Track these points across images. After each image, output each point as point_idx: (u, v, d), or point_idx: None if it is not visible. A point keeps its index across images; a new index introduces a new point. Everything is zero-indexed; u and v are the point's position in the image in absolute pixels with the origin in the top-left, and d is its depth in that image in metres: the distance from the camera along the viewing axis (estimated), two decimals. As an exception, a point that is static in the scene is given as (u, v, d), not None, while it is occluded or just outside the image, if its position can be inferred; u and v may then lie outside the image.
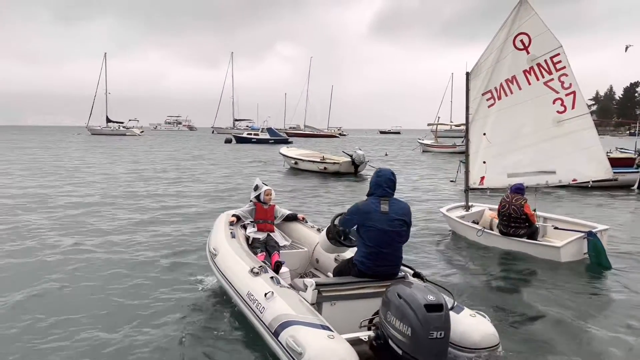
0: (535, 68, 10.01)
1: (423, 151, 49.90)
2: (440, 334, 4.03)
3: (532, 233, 9.33)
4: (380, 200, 5.06)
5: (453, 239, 10.56)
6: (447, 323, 4.11)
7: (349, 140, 79.41)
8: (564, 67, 9.84)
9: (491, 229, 10.09)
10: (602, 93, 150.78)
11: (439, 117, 65.49)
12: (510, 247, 9.29)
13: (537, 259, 8.77)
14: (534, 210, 9.49)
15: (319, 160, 26.73)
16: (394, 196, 5.19)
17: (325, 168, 25.61)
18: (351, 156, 25.38)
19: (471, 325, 4.63)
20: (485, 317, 4.85)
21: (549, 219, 10.18)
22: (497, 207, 9.85)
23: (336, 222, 5.56)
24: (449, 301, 4.65)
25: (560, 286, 7.50)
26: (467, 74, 11.02)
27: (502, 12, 10.56)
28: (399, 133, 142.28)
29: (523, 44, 10.11)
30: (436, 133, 57.39)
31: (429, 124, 65.83)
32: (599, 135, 10.07)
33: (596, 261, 8.51)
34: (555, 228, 9.68)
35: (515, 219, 9.28)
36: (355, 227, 5.21)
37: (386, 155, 42.76)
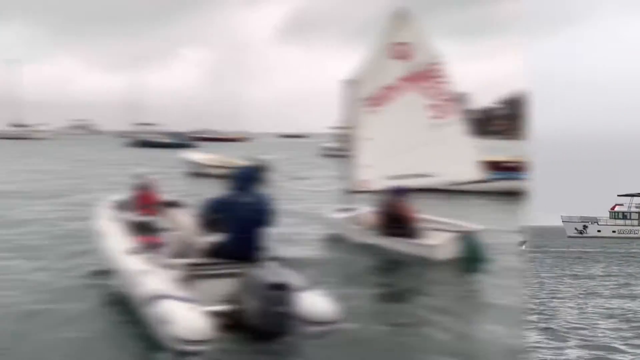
0: (414, 76, 10.50)
1: (325, 155, 50.07)
2: (284, 309, 4.83)
3: (411, 233, 9.75)
4: (242, 193, 5.71)
5: (336, 240, 10.83)
6: (290, 300, 4.90)
7: (252, 144, 78.86)
8: (442, 76, 10.42)
9: (373, 229, 10.37)
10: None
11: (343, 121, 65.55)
12: (390, 246, 9.68)
13: (414, 257, 9.23)
14: (414, 212, 9.92)
15: (223, 165, 26.33)
16: (256, 188, 5.89)
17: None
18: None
19: (316, 303, 5.39)
20: (329, 297, 5.55)
21: (427, 220, 10.63)
22: (378, 209, 10.20)
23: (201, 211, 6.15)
24: (300, 282, 5.37)
25: (419, 278, 8.40)
26: (348, 81, 11.30)
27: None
28: (303, 137, 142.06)
29: (402, 53, 10.55)
30: (340, 137, 57.30)
31: (330, 127, 66.12)
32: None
33: (468, 258, 9.09)
34: (434, 229, 10.16)
35: (396, 220, 9.64)
36: (220, 215, 5.82)
37: (287, 159, 42.72)
